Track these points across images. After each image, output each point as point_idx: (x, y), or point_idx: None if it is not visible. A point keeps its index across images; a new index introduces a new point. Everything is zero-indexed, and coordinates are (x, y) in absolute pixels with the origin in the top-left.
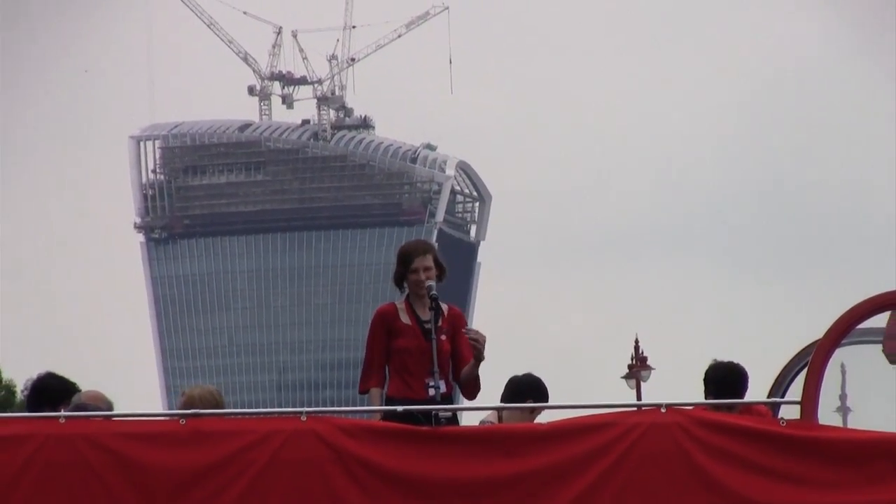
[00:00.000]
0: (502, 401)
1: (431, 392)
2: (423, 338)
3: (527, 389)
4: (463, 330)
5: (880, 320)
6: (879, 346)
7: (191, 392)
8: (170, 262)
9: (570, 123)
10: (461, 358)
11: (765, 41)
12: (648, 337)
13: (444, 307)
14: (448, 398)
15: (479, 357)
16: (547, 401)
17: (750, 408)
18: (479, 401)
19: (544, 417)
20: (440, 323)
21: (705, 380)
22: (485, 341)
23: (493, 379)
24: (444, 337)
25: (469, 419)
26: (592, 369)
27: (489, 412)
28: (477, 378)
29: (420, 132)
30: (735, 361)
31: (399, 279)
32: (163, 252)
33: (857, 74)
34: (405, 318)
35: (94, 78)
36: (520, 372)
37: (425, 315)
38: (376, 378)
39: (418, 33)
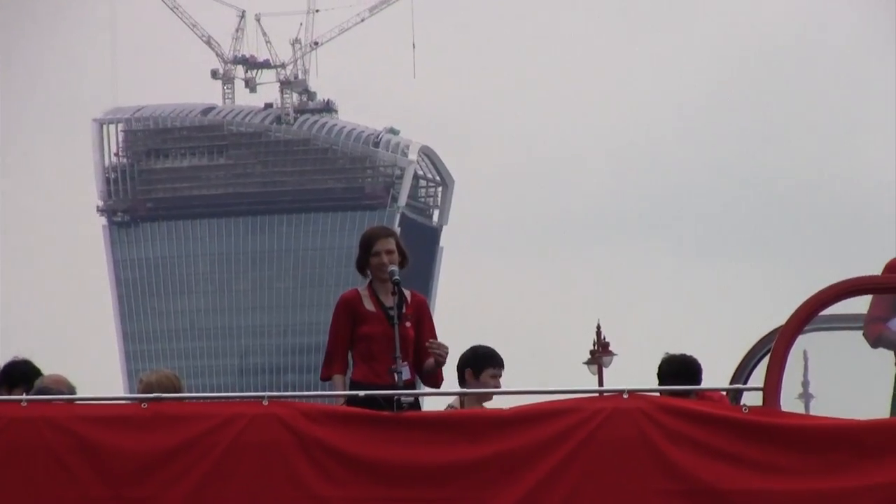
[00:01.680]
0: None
1: (395, 378)
2: (388, 324)
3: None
4: (427, 344)
5: (843, 307)
6: (842, 333)
7: (148, 378)
8: (132, 246)
9: (533, 108)
10: (423, 348)
11: (728, 25)
12: (610, 323)
13: (408, 293)
14: (411, 384)
15: (440, 364)
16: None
17: (703, 394)
18: (444, 385)
19: (505, 403)
20: (404, 309)
21: (659, 374)
22: (447, 353)
23: (453, 365)
24: (408, 323)
25: (435, 404)
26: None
27: (454, 398)
28: (438, 374)
29: (383, 116)
30: (688, 354)
31: (361, 265)
32: (125, 235)
33: (824, 58)
34: (369, 305)
35: (56, 60)
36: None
37: (389, 301)
38: (339, 365)
39: (382, 17)
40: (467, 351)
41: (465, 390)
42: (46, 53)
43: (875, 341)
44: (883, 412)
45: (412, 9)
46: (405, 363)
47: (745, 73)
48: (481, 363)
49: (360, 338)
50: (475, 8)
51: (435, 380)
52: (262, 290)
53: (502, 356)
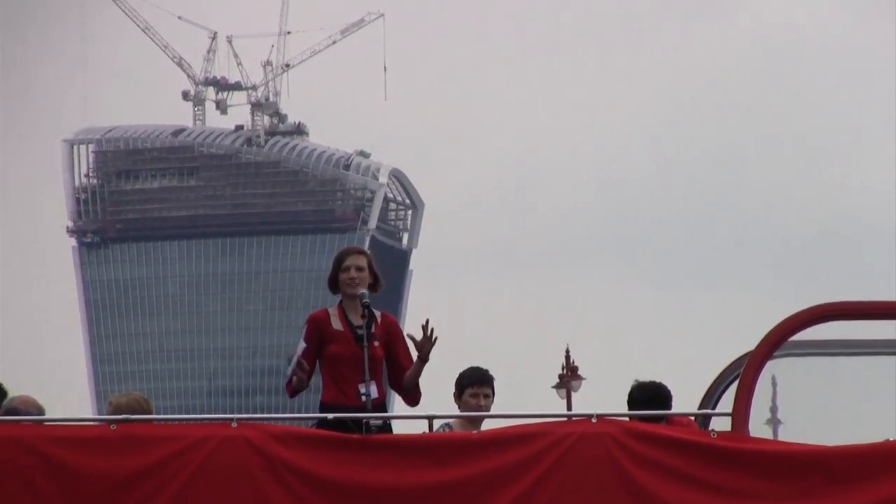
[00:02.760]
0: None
1: (363, 399)
2: (355, 344)
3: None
4: (408, 336)
5: (812, 333)
6: (811, 359)
7: (117, 401)
8: (102, 267)
9: (503, 132)
10: (399, 365)
11: (694, 55)
12: (579, 347)
13: (378, 314)
14: (381, 405)
15: (424, 357)
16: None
17: (672, 419)
18: (420, 408)
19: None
20: (373, 329)
21: (630, 400)
22: (431, 345)
23: (423, 387)
24: (376, 343)
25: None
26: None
27: (451, 419)
28: (418, 384)
29: (354, 139)
30: (658, 381)
31: (332, 282)
32: (95, 256)
33: (785, 85)
34: (337, 324)
35: (27, 80)
36: (449, 379)
37: (358, 321)
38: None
39: (353, 40)
40: (461, 371)
41: (433, 414)
42: (17, 73)
43: None
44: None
45: (383, 32)
46: (373, 382)
47: (709, 99)
48: (463, 383)
49: (327, 358)
50: (446, 31)
51: (417, 393)
52: (232, 312)
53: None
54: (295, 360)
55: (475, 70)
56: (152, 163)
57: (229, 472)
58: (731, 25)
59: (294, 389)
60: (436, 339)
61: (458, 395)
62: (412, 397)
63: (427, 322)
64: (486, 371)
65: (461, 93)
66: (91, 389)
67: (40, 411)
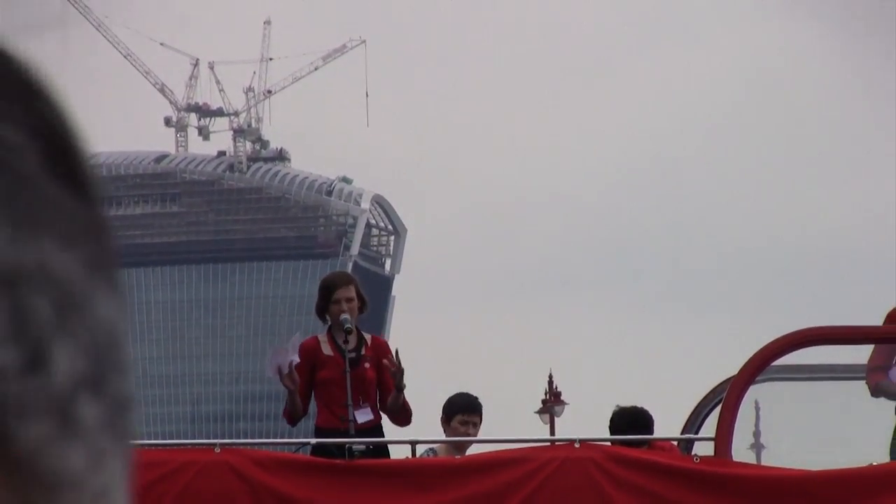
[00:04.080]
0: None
1: (348, 425)
2: (345, 367)
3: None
4: (384, 362)
5: (795, 358)
6: (794, 384)
7: None
8: None
9: (485, 159)
10: (386, 388)
11: (669, 82)
12: (562, 372)
13: (368, 337)
14: (377, 427)
15: (399, 386)
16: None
17: (654, 444)
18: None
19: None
20: (364, 351)
21: (611, 426)
22: (401, 373)
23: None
24: (367, 364)
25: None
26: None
27: (436, 444)
28: (403, 407)
29: (336, 165)
30: (639, 406)
31: (321, 311)
32: None
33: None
34: (327, 350)
35: None
36: (432, 404)
37: (345, 345)
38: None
39: (335, 66)
40: (449, 397)
41: (416, 439)
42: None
43: (874, 390)
44: (873, 458)
45: (366, 58)
46: (366, 405)
47: (701, 126)
48: (453, 409)
49: (318, 383)
50: (429, 57)
51: (404, 415)
52: (215, 337)
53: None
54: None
55: (458, 96)
56: (134, 189)
57: (212, 498)
58: (722, 48)
59: (291, 415)
60: (402, 370)
61: (447, 421)
62: (399, 420)
63: (396, 352)
64: (476, 399)
65: (444, 119)
66: None
67: None
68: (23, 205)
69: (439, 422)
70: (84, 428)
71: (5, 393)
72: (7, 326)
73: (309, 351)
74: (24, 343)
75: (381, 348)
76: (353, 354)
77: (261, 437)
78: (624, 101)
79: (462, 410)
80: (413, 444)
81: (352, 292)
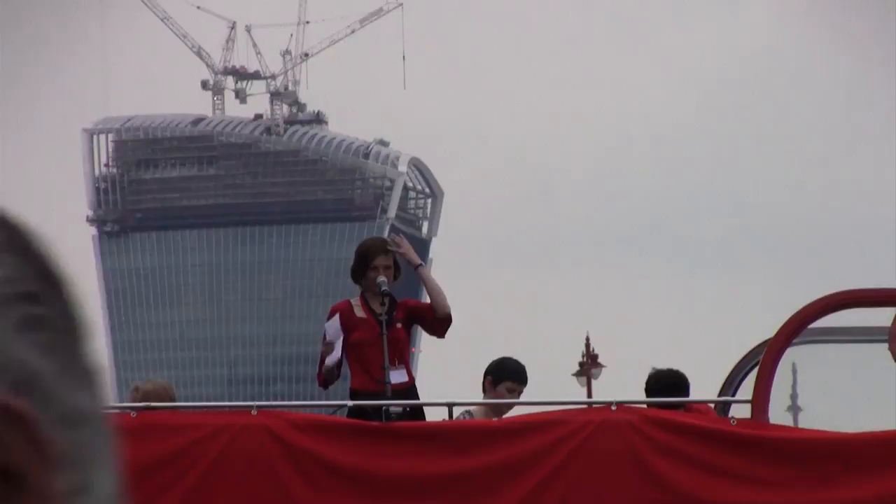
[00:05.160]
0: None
1: (384, 386)
2: (378, 329)
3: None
4: (389, 245)
5: (832, 320)
6: (830, 346)
7: (143, 387)
8: (121, 256)
9: (523, 120)
10: (424, 313)
11: (717, 42)
12: (599, 334)
13: (398, 300)
14: (411, 388)
15: (413, 262)
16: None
17: (691, 406)
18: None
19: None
20: (396, 313)
21: (647, 389)
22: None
23: (443, 374)
24: (398, 325)
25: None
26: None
27: (472, 407)
28: (438, 293)
29: (373, 128)
30: (675, 369)
31: (357, 276)
32: (115, 245)
33: (807, 66)
34: (360, 312)
35: (47, 70)
36: (470, 367)
37: (379, 308)
38: None
39: (372, 29)
40: (497, 359)
41: (453, 401)
42: (37, 63)
43: None
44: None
45: (402, 21)
46: (401, 366)
47: (732, 86)
48: (502, 375)
49: (352, 345)
50: (465, 20)
51: (442, 324)
52: (252, 300)
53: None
54: (332, 359)
55: (494, 58)
56: (171, 152)
57: (249, 461)
58: (748, 19)
59: (325, 380)
60: (409, 245)
61: (492, 385)
62: (439, 323)
63: (393, 237)
64: (525, 369)
65: (480, 81)
66: (111, 377)
67: None
68: (67, 360)
69: (480, 383)
70: None
71: None
72: (68, 458)
73: (342, 313)
74: (78, 471)
75: (409, 305)
76: (385, 317)
77: (297, 400)
78: (663, 67)
79: (513, 377)
80: (450, 406)
81: (389, 260)
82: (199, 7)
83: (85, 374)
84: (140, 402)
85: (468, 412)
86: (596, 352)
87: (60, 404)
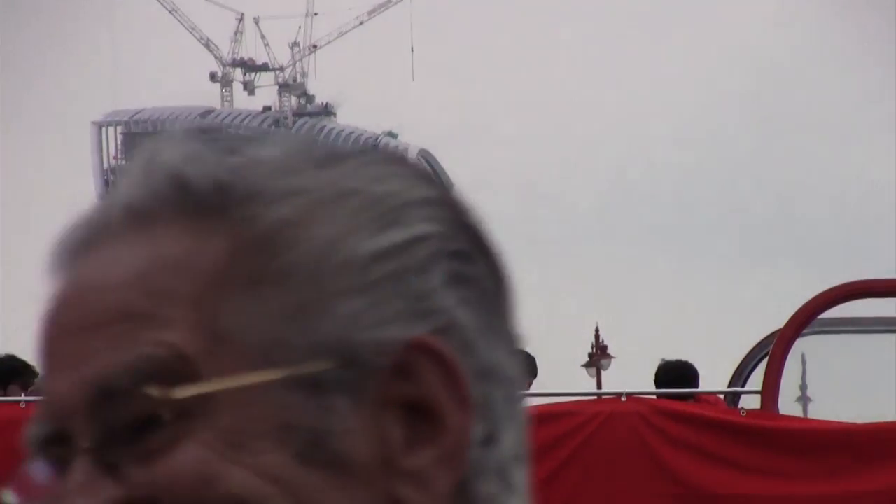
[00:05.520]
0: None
1: None
2: None
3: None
4: None
5: (841, 311)
6: (840, 336)
7: None
8: None
9: (531, 112)
10: None
11: (729, 30)
12: (609, 326)
13: None
14: None
15: None
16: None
17: (700, 397)
18: None
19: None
20: None
21: (656, 381)
22: None
23: None
24: None
25: None
26: (553, 357)
27: None
28: None
29: (382, 120)
30: (684, 360)
31: None
32: None
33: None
34: None
35: (55, 63)
36: None
37: None
38: None
39: (380, 21)
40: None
41: None
42: (45, 55)
43: None
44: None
45: (411, 12)
46: None
47: (745, 77)
48: None
49: None
50: (474, 12)
51: None
52: None
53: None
54: None
55: (503, 50)
56: None
57: None
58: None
59: None
60: None
61: None
62: None
63: None
64: (535, 360)
65: (489, 73)
66: None
67: None
68: (489, 318)
69: None
70: (517, 488)
71: (472, 458)
72: (479, 408)
73: None
74: (487, 423)
75: None
76: None
77: None
78: (671, 56)
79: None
80: None
81: None
82: None
83: (504, 334)
84: None
85: None
86: (605, 343)
87: (478, 357)
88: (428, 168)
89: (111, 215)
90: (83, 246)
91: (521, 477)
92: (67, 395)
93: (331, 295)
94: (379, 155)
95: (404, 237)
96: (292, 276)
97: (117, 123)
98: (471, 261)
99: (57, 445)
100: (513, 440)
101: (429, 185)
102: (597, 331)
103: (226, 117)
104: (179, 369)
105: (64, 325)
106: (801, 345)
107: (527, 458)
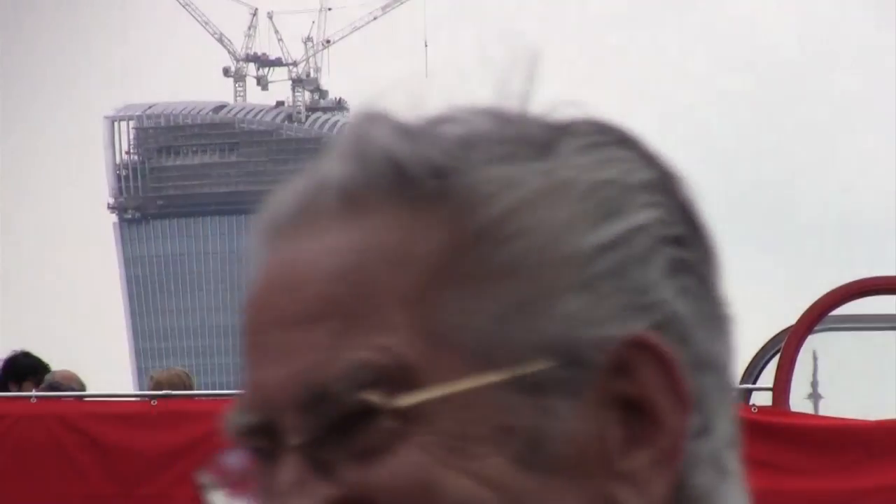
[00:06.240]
0: None
1: None
2: None
3: None
4: None
5: (854, 307)
6: (852, 333)
7: (159, 376)
8: (142, 243)
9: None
10: None
11: (743, 32)
12: None
13: None
14: None
15: None
16: None
17: None
18: None
19: None
20: None
21: None
22: None
23: None
24: None
25: None
26: None
27: None
28: None
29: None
30: None
31: None
32: (136, 232)
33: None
34: None
35: (68, 57)
36: None
37: None
38: None
39: (394, 16)
40: None
41: None
42: (58, 50)
43: None
44: None
45: (424, 8)
46: None
47: (756, 73)
48: None
49: None
50: (487, 7)
51: None
52: None
53: None
54: None
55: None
56: (193, 139)
57: None
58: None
59: None
60: None
61: None
62: None
63: None
64: None
65: None
66: (132, 365)
67: (81, 387)
68: (705, 305)
69: None
70: (731, 473)
71: (687, 450)
72: (696, 402)
73: None
74: (702, 414)
75: None
76: None
77: None
78: (681, 51)
79: None
80: None
81: None
82: None
83: (719, 321)
84: (157, 390)
85: None
86: None
87: (694, 348)
88: (645, 145)
89: (323, 195)
90: (291, 224)
91: (735, 461)
92: (277, 389)
93: (553, 291)
94: (594, 136)
95: (625, 227)
96: (515, 272)
97: (130, 118)
98: (689, 246)
99: (261, 436)
100: (726, 429)
101: (647, 166)
102: None
103: (239, 112)
104: (400, 376)
105: (273, 313)
106: (813, 341)
107: (740, 442)
